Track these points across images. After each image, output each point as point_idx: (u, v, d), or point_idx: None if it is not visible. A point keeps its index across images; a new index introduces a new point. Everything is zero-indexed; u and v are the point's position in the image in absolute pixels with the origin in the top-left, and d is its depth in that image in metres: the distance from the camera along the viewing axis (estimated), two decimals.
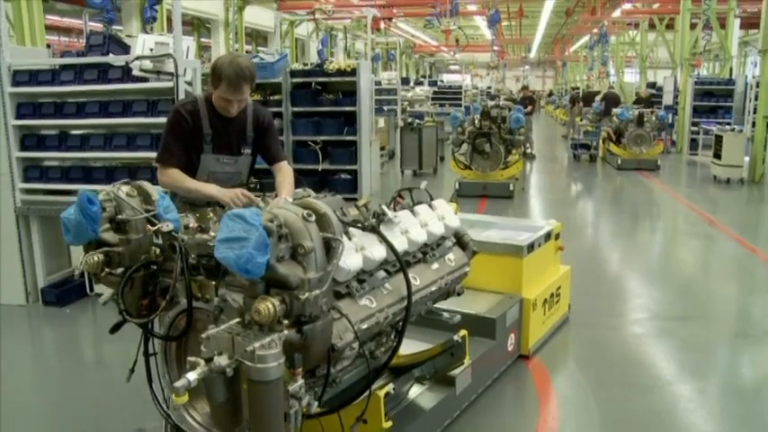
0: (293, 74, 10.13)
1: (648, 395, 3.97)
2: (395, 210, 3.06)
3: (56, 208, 5.42)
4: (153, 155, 5.14)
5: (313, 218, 2.20)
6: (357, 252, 2.57)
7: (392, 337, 2.94)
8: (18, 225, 5.52)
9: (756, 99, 12.62)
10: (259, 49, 23.87)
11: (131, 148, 5.12)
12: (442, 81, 30.92)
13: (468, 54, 41.78)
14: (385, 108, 15.42)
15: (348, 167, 10.17)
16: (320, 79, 10.08)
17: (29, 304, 5.63)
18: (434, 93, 23.83)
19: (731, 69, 18.45)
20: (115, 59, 5.13)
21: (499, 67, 38.74)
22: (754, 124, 12.79)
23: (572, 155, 16.24)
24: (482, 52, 40.60)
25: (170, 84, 4.90)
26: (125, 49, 5.42)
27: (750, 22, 23.06)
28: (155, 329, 2.82)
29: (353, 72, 9.85)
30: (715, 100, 17.15)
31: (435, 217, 3.14)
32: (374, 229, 2.68)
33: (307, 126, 10.12)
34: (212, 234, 2.57)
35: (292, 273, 2.11)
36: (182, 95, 4.93)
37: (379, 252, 2.64)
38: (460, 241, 3.36)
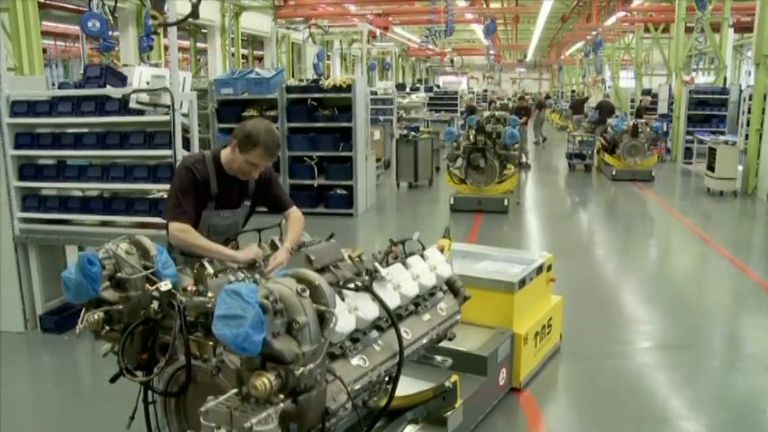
0: (289, 90, 10.23)
1: (641, 428, 4.05)
2: (387, 261, 3.13)
3: (54, 237, 5.50)
4: (150, 186, 5.27)
5: (307, 293, 2.27)
6: (350, 313, 2.64)
7: (385, 382, 3.01)
8: (17, 253, 5.57)
9: (750, 112, 12.72)
10: (256, 66, 23.89)
11: (128, 179, 5.18)
12: (437, 86, 31.01)
13: (464, 57, 41.97)
14: (381, 118, 15.50)
15: (344, 183, 10.27)
16: (316, 95, 10.20)
17: (27, 331, 5.69)
18: (430, 99, 23.92)
19: (725, 78, 18.55)
20: (112, 92, 5.19)
21: (495, 71, 38.92)
22: (747, 137, 12.89)
23: (567, 164, 16.32)
24: (478, 56, 40.86)
25: (167, 117, 4.96)
26: (122, 80, 5.48)
27: (744, 27, 23.11)
28: (154, 382, 2.89)
29: (349, 88, 9.94)
30: (709, 109, 17.28)
31: (427, 268, 3.22)
32: (367, 289, 2.75)
33: (302, 142, 10.20)
34: (210, 294, 2.65)
35: (287, 348, 2.18)
36: (178, 128, 5.00)
37: (372, 312, 2.72)
38: (452, 287, 3.44)
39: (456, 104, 27.15)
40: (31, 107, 5.38)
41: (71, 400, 4.60)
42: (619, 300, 6.69)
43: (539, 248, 8.71)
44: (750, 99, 12.67)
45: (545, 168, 16.96)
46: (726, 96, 17.28)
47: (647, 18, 21.47)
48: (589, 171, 15.74)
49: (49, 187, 5.52)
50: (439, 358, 3.54)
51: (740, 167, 12.71)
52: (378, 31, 18.91)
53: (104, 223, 5.39)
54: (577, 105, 24.82)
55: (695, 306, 6.47)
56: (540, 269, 4.85)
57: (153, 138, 5.09)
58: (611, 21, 22.11)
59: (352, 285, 2.74)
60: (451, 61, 22.07)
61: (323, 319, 2.31)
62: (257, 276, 2.63)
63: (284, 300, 2.23)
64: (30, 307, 5.69)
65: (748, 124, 12.74)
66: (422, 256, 3.29)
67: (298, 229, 3.50)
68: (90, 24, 5.87)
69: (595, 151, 15.84)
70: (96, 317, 2.76)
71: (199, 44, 23.93)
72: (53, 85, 25.77)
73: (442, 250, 4.15)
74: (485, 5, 20.75)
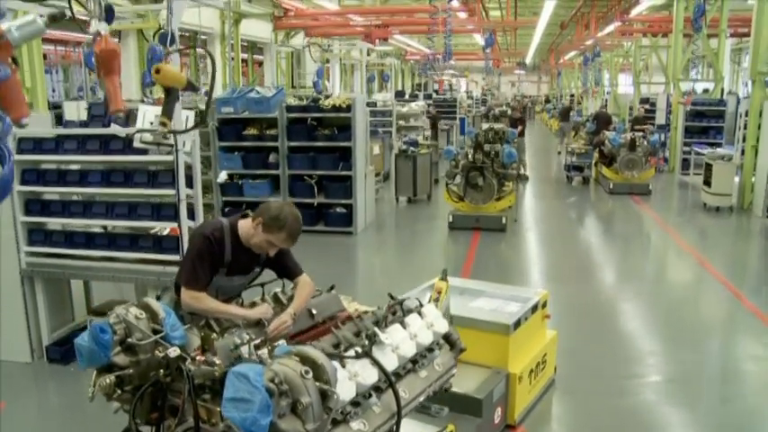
0: (289, 109, 10.34)
1: None
2: (386, 322, 3.24)
3: (59, 271, 5.62)
4: (153, 224, 5.38)
5: (310, 375, 2.39)
6: (351, 380, 2.76)
7: None
8: (23, 285, 5.69)
9: (746, 127, 12.85)
10: (256, 70, 23.99)
11: (132, 217, 5.30)
12: (436, 92, 31.06)
13: (463, 61, 42.09)
14: (380, 130, 15.61)
15: (343, 201, 10.38)
16: (315, 115, 10.30)
17: (34, 361, 5.80)
18: (429, 106, 23.98)
19: (722, 90, 18.68)
20: (117, 131, 5.30)
21: (494, 75, 39.01)
22: (743, 152, 13.01)
23: (565, 177, 16.43)
24: (477, 60, 40.91)
25: (170, 157, 5.07)
26: (126, 118, 5.59)
27: (742, 34, 23.14)
28: None
29: (349, 108, 10.05)
30: (706, 120, 17.42)
31: (424, 325, 3.34)
32: (367, 355, 2.87)
33: (302, 161, 10.32)
34: (217, 361, 2.77)
35: (292, 428, 2.31)
36: (181, 167, 5.11)
37: (371, 377, 2.84)
38: (448, 340, 3.56)
39: (455, 112, 27.29)
40: (37, 144, 5.49)
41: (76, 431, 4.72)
42: (612, 329, 6.74)
43: (534, 271, 8.91)
44: (746, 115, 12.78)
45: (543, 180, 17.06)
46: (723, 108, 17.46)
47: (645, 29, 21.58)
48: (587, 183, 15.86)
49: (54, 222, 5.63)
50: (435, 407, 3.66)
51: (737, 178, 12.87)
52: (377, 41, 19.00)
53: (109, 258, 5.50)
54: (564, 114, 25.22)
55: (689, 337, 6.55)
56: (535, 308, 4.98)
57: (156, 177, 5.21)
58: (608, 30, 22.27)
59: (352, 353, 2.86)
60: (450, 86, 22.28)
61: (325, 396, 2.43)
62: (261, 355, 2.71)
63: (289, 381, 2.35)
64: (36, 338, 5.81)
65: (744, 140, 12.86)
66: (419, 313, 3.41)
67: (305, 295, 3.56)
68: (94, 60, 5.98)
69: (593, 163, 15.97)
70: (108, 381, 2.88)
71: (198, 49, 24.00)
72: (53, 90, 25.67)
73: (439, 292, 4.30)
74: (483, 14, 20.87)
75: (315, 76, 11.57)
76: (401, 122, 19.46)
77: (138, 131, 5.17)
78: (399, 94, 26.24)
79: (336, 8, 17.93)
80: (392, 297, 3.56)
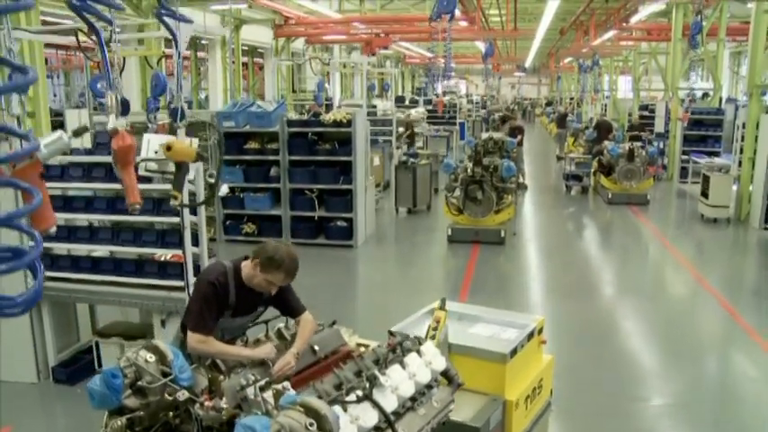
0: (290, 123, 10.45)
1: None
2: (386, 363, 3.35)
3: (66, 294, 5.74)
4: (158, 251, 5.49)
5: (315, 426, 2.50)
6: (352, 423, 2.88)
7: None
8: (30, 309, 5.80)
9: (743, 139, 12.96)
10: (257, 73, 24.06)
11: (137, 243, 5.42)
12: (437, 95, 31.08)
13: (463, 65, 42.19)
14: (380, 139, 15.71)
15: (344, 215, 10.49)
16: (316, 129, 10.40)
17: (40, 382, 5.92)
18: (429, 112, 24.10)
19: (720, 98, 18.80)
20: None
21: (494, 79, 39.10)
22: (740, 163, 13.12)
23: (564, 186, 16.54)
24: (477, 63, 41.00)
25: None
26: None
27: (738, 34, 23.10)
28: None
29: (349, 123, 10.16)
30: (705, 129, 17.56)
31: (423, 364, 3.45)
32: (368, 398, 2.98)
33: (303, 175, 10.43)
34: (224, 405, 2.89)
35: None
36: (186, 195, 5.22)
37: (372, 419, 2.95)
38: (446, 376, 3.67)
39: (455, 117, 27.42)
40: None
41: None
42: (608, 349, 6.83)
43: (531, 286, 9.01)
44: (744, 127, 12.90)
45: (542, 189, 17.15)
46: (721, 117, 17.61)
47: (644, 37, 21.69)
48: (586, 193, 15.98)
49: (60, 248, 5.74)
50: None
51: (735, 187, 13.01)
52: (378, 49, 19.11)
53: (115, 283, 5.61)
54: (560, 120, 25.47)
55: (684, 358, 6.63)
56: (531, 335, 5.08)
57: (161, 204, 5.32)
58: (607, 35, 22.38)
59: (353, 397, 2.97)
60: (445, 106, 22.47)
61: None
62: (266, 398, 2.82)
63: None
64: (42, 359, 5.93)
65: (741, 152, 12.98)
66: (418, 351, 3.52)
67: (307, 334, 3.67)
68: (99, 86, 6.10)
69: (592, 172, 16.09)
70: (119, 423, 2.99)
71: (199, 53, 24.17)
72: (54, 95, 25.70)
73: (438, 321, 4.42)
74: (484, 21, 20.96)
75: (316, 90, 11.70)
76: (401, 129, 19.61)
77: (142, 161, 5.28)
78: (399, 100, 26.39)
79: (338, 16, 18.02)
80: (392, 334, 3.67)
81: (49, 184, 5.63)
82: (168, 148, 3.16)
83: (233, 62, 19.64)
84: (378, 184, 13.18)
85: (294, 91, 23.91)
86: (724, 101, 20.40)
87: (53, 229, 2.47)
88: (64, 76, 29.36)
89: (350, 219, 10.48)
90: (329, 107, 14.24)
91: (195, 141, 3.64)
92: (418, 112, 22.03)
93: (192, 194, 4.84)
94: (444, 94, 22.20)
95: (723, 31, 17.97)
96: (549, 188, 17.28)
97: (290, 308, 3.80)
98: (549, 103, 48.69)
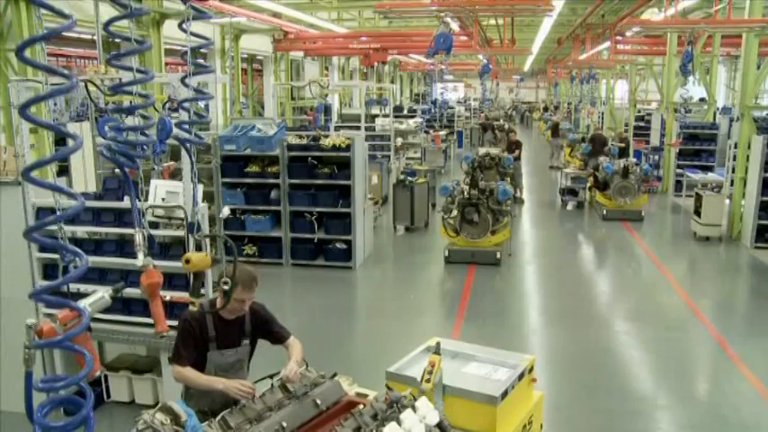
0: (290, 147, 10.65)
1: None
2: (383, 421, 3.58)
3: None
4: (165, 293, 5.71)
5: None
6: None
7: None
8: None
9: (735, 159, 13.20)
10: (256, 80, 24.26)
11: None
12: (434, 102, 31.26)
13: (461, 71, 42.40)
14: (378, 155, 15.95)
15: (343, 237, 10.72)
16: (316, 153, 10.62)
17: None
18: (428, 121, 24.33)
19: (715, 113, 19.05)
20: (129, 206, 5.63)
21: (492, 84, 39.28)
22: (732, 182, 13.36)
23: (560, 201, 16.78)
24: (474, 69, 41.17)
25: (181, 233, 5.41)
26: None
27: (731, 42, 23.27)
28: None
29: (348, 148, 10.38)
30: (699, 143, 17.85)
31: (418, 419, 3.68)
32: None
33: (303, 198, 10.65)
34: None
35: None
36: (192, 241, 5.45)
37: None
38: (440, 427, 3.90)
39: (453, 126, 27.69)
40: (53, 214, 5.82)
41: None
42: (597, 378, 7.03)
43: (524, 309, 9.24)
44: (735, 147, 13.14)
45: (539, 203, 17.36)
46: (715, 131, 17.90)
47: (640, 51, 21.93)
48: (581, 208, 16.22)
49: (71, 287, 5.96)
50: None
51: (727, 201, 13.28)
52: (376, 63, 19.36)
53: (123, 321, 5.84)
54: (554, 129, 25.82)
55: (673, 389, 6.85)
56: (522, 375, 5.31)
57: (168, 249, 5.54)
58: (602, 47, 22.66)
59: None
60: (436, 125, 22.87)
61: None
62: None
63: None
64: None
65: (734, 171, 13.22)
66: (413, 407, 3.75)
67: (298, 352, 4.17)
68: (106, 128, 6.31)
69: (587, 188, 16.34)
70: None
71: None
72: (54, 104, 25.85)
73: (433, 366, 4.65)
74: (482, 34, 21.18)
75: (316, 113, 11.95)
76: (399, 140, 19.84)
77: (149, 207, 5.51)
78: (398, 109, 26.62)
79: (339, 30, 18.27)
80: (389, 388, 3.90)
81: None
82: (187, 261, 3.46)
83: (232, 68, 19.89)
84: (376, 203, 13.39)
85: (293, 98, 24.10)
86: (720, 109, 20.64)
87: (98, 373, 2.69)
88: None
89: (349, 241, 10.70)
90: (327, 126, 14.42)
91: (210, 250, 3.96)
92: (416, 122, 22.23)
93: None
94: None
95: (717, 47, 18.21)
96: (545, 203, 17.48)
97: (277, 335, 4.28)
98: (545, 109, 48.89)
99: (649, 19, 13.09)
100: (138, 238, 3.39)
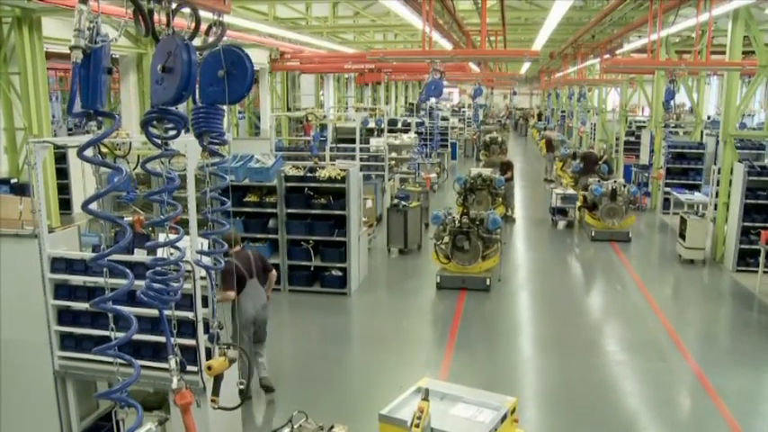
0: (287, 179, 11.04)
1: None
2: None
3: (89, 374, 6.36)
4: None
5: None
6: None
7: None
8: (56, 384, 6.44)
9: (718, 184, 13.66)
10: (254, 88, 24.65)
11: (155, 331, 6.03)
12: (429, 114, 31.56)
13: (455, 79, 42.74)
14: (372, 175, 16.35)
15: (338, 265, 11.12)
16: (312, 185, 11.02)
17: None
18: (421, 136, 24.71)
19: (702, 132, 19.52)
20: (138, 259, 6.04)
21: (486, 92, 39.69)
22: (716, 206, 13.81)
23: (550, 220, 17.21)
24: (470, 76, 41.53)
25: (188, 285, 5.81)
26: (146, 240, 6.32)
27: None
28: None
29: (343, 180, 10.79)
30: (686, 162, 18.32)
31: None
32: None
33: (300, 227, 11.05)
34: None
35: None
36: (198, 292, 5.85)
37: None
38: None
39: (447, 139, 28.09)
40: (68, 264, 6.23)
41: None
42: (578, 410, 7.49)
43: (512, 336, 9.66)
44: (719, 172, 13.59)
45: (530, 222, 17.78)
46: (702, 150, 18.39)
47: (629, 69, 22.34)
48: (571, 227, 16.66)
49: (84, 333, 6.37)
50: None
51: (711, 225, 13.76)
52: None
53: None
54: (548, 144, 26.36)
55: (646, 422, 7.27)
56: (504, 417, 5.73)
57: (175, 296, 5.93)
58: (592, 62, 23.12)
59: None
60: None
61: None
62: None
63: None
64: (66, 428, 6.55)
65: (717, 195, 13.67)
66: None
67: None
68: (116, 180, 6.71)
69: (577, 207, 16.78)
70: None
71: None
72: (53, 116, 26.04)
73: (422, 411, 5.08)
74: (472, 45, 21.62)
75: (312, 139, 12.32)
76: (393, 154, 20.26)
77: (157, 260, 5.90)
78: (392, 123, 27.00)
79: (336, 49, 18.68)
80: None
81: (72, 277, 6.28)
82: (209, 368, 3.91)
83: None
84: (370, 226, 13.79)
85: (289, 109, 24.45)
86: (710, 119, 21.08)
87: None
88: (62, 98, 29.75)
89: (344, 268, 11.11)
90: (323, 145, 14.79)
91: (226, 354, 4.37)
92: (410, 137, 22.63)
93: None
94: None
95: (703, 73, 18.70)
96: (536, 220, 17.91)
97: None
98: (540, 116, 49.32)
99: (631, 57, 13.55)
100: (172, 364, 3.76)
